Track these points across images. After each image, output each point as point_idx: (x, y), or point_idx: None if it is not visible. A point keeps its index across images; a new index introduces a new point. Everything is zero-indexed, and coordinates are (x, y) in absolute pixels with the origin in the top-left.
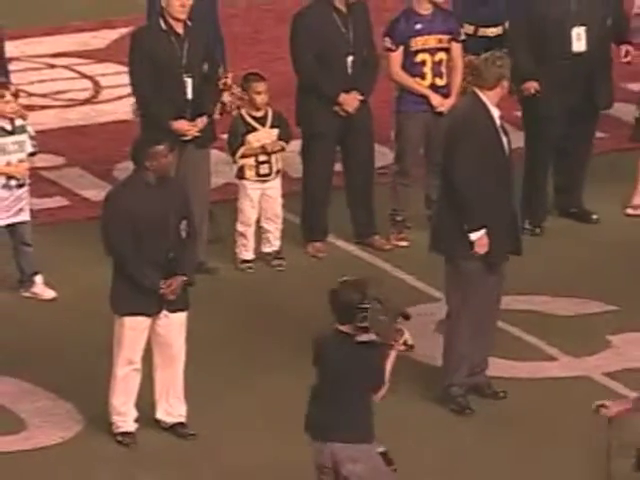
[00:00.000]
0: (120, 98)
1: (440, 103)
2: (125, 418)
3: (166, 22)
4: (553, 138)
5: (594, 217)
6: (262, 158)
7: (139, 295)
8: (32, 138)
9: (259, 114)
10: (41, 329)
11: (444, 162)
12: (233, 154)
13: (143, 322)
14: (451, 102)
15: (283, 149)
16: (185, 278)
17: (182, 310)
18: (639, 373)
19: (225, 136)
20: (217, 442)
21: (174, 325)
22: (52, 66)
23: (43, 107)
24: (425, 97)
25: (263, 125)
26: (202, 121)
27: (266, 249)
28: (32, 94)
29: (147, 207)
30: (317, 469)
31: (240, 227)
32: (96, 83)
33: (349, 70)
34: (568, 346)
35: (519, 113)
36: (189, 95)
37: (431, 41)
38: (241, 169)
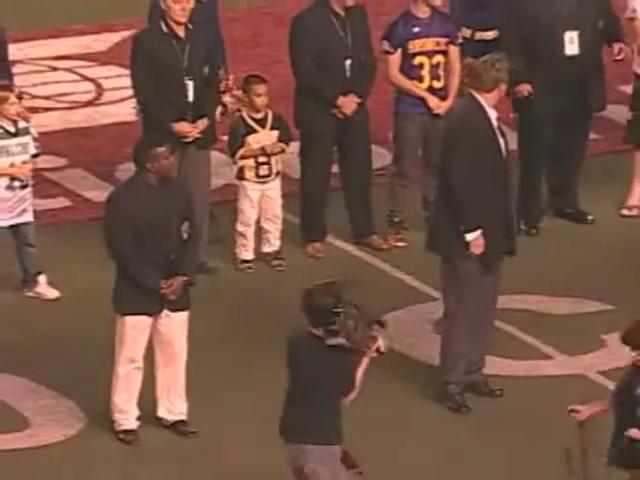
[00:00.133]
0: (122, 100)
1: (437, 105)
2: (127, 416)
3: (167, 25)
4: (546, 140)
5: (589, 218)
6: (262, 159)
7: (141, 295)
8: (35, 140)
9: (259, 116)
10: (44, 328)
11: (441, 163)
12: (233, 155)
13: (145, 321)
14: (448, 104)
15: (283, 151)
16: (186, 278)
17: (183, 309)
18: None
19: (225, 138)
20: (217, 440)
21: (176, 324)
22: (55, 69)
23: (46, 109)
24: (423, 99)
25: (263, 127)
26: (203, 123)
27: (266, 249)
28: (35, 96)
29: (148, 208)
30: (293, 473)
31: (240, 227)
32: (98, 85)
33: (347, 73)
34: (563, 345)
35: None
36: (190, 97)
37: (429, 44)
38: (241, 170)
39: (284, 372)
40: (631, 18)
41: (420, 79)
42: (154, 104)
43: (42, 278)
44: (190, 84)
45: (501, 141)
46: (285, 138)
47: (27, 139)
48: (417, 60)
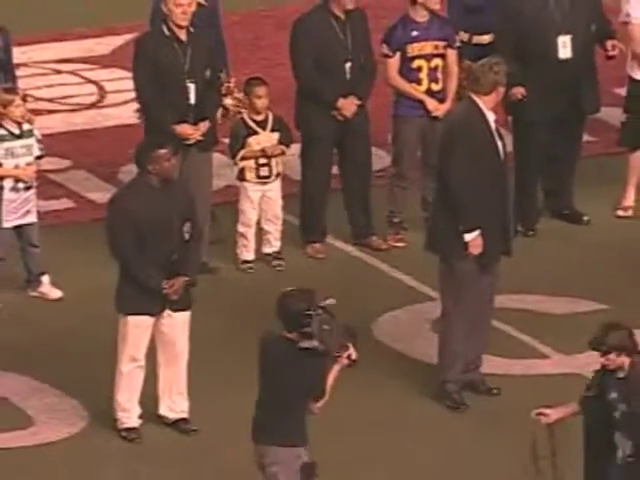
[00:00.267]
0: (125, 103)
1: (436, 108)
2: (129, 414)
3: (169, 29)
4: (541, 143)
5: (585, 219)
6: (262, 161)
7: (143, 295)
8: (39, 142)
9: (260, 118)
10: (48, 328)
11: (440, 165)
12: (234, 156)
13: (146, 321)
14: (446, 107)
15: (283, 153)
16: (187, 279)
17: (185, 309)
18: None
19: (227, 140)
20: (218, 438)
21: (177, 324)
22: (58, 72)
23: (50, 111)
24: (421, 102)
25: (264, 129)
26: (204, 125)
27: (266, 250)
28: (39, 99)
29: (150, 209)
30: (258, 468)
31: (241, 228)
32: (101, 88)
33: (347, 75)
34: (560, 344)
35: None
36: (192, 100)
37: (427, 47)
38: (242, 171)
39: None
40: (625, 22)
41: (418, 82)
42: (156, 106)
43: (45, 278)
44: (192, 87)
45: (499, 143)
46: (286, 140)
47: (31, 141)
48: (416, 63)
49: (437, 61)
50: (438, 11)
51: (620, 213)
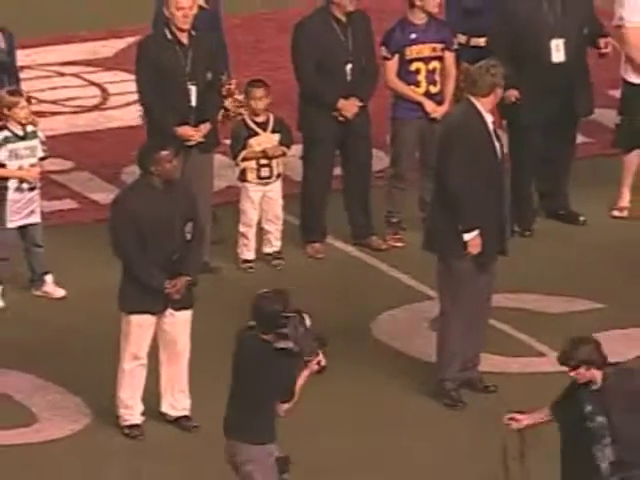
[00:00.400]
0: (127, 105)
1: (434, 110)
2: (132, 411)
3: (171, 32)
4: (535, 146)
5: (581, 219)
6: (263, 161)
7: (145, 294)
8: (43, 143)
9: (261, 119)
10: (51, 326)
11: (439, 166)
12: (235, 157)
13: (149, 320)
14: (444, 109)
15: (284, 154)
16: (189, 278)
17: (187, 308)
18: None
19: (228, 141)
20: (219, 435)
21: (179, 322)
22: (62, 74)
23: (53, 113)
24: (419, 104)
25: (264, 130)
26: (205, 127)
27: (267, 249)
28: (43, 101)
29: (153, 210)
30: (232, 468)
31: (242, 228)
32: (104, 90)
33: (348, 77)
34: (556, 342)
35: None
36: (193, 102)
37: (425, 50)
38: (243, 172)
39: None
40: (618, 25)
41: (417, 84)
42: (158, 108)
43: (49, 278)
44: (193, 89)
45: (497, 144)
46: (286, 141)
47: (35, 142)
48: (414, 66)
49: (435, 63)
50: (436, 14)
51: (615, 213)
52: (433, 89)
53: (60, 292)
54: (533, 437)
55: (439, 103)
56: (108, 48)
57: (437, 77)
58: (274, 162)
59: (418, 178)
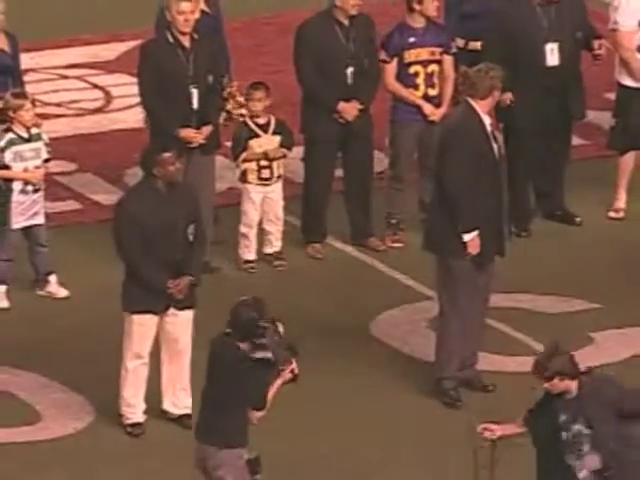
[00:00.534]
0: (130, 107)
1: (432, 112)
2: (134, 410)
3: (173, 35)
4: (531, 148)
5: (578, 220)
6: (263, 163)
7: (148, 294)
8: (47, 145)
9: (262, 121)
10: (55, 326)
11: (438, 167)
12: (236, 158)
13: (151, 319)
14: (442, 111)
15: (285, 156)
16: (192, 278)
17: (189, 308)
18: (619, 367)
19: (229, 143)
20: None
21: (181, 322)
22: (65, 77)
23: (57, 116)
24: (418, 107)
25: (265, 132)
26: (207, 129)
27: (267, 250)
28: (47, 103)
29: (156, 212)
30: (202, 472)
31: (243, 229)
32: (107, 93)
33: (349, 80)
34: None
35: None
36: (195, 105)
37: (424, 54)
38: (244, 173)
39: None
40: (613, 29)
41: (415, 87)
42: (160, 111)
43: (53, 278)
44: (195, 92)
45: (495, 146)
46: (287, 143)
47: (39, 144)
48: (412, 69)
49: (433, 67)
50: (435, 18)
51: (612, 214)
52: (431, 92)
53: (64, 292)
54: (504, 447)
55: (437, 106)
56: (110, 51)
57: (435, 80)
58: (274, 164)
59: (417, 179)
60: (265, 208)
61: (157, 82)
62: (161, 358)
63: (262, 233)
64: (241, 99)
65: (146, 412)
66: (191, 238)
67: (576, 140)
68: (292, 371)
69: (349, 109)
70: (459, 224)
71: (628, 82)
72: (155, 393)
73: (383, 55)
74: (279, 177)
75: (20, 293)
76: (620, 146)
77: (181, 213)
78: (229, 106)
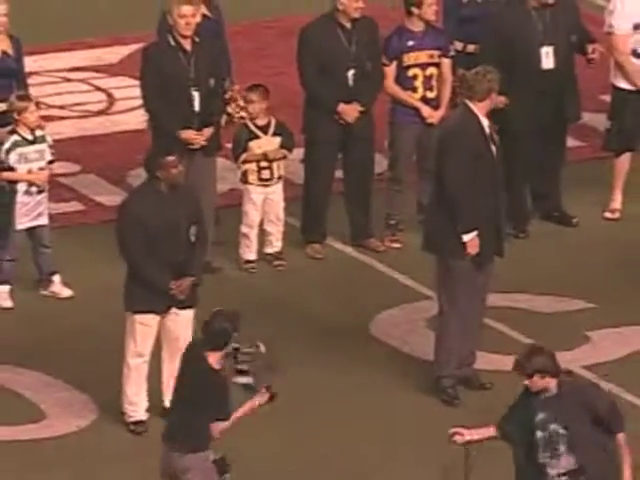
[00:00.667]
0: (132, 109)
1: (430, 115)
2: (137, 407)
3: (174, 39)
4: (527, 151)
5: (574, 221)
6: (263, 164)
7: (150, 294)
8: (51, 147)
9: (262, 123)
10: (59, 325)
11: (437, 169)
12: (236, 159)
13: (153, 319)
14: (440, 114)
15: (285, 157)
16: (193, 278)
17: (190, 307)
18: (614, 365)
19: (230, 145)
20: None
21: (182, 320)
22: (69, 80)
23: (61, 118)
24: (417, 109)
25: (265, 133)
26: (208, 131)
27: (268, 250)
28: (51, 106)
29: (159, 214)
30: (169, 478)
31: (244, 229)
32: (110, 95)
33: (350, 83)
34: (550, 341)
35: None
36: (196, 107)
37: (422, 57)
38: (244, 174)
39: (284, 368)
40: (608, 33)
41: (414, 90)
42: (162, 113)
43: (56, 278)
44: (196, 95)
45: (493, 148)
46: (287, 145)
47: (44, 146)
48: (411, 72)
49: (432, 70)
50: (433, 22)
51: (608, 215)
52: (430, 94)
53: (67, 292)
54: (478, 451)
55: (435, 108)
56: (113, 54)
57: (434, 83)
58: (274, 165)
59: (416, 181)
60: (266, 209)
61: (159, 85)
62: (162, 356)
63: (263, 233)
64: (242, 102)
65: (148, 410)
66: (193, 239)
67: (572, 142)
68: (269, 390)
69: (349, 111)
70: (458, 224)
71: (623, 85)
72: (157, 391)
73: (382, 58)
74: (279, 178)
75: (24, 293)
76: (615, 148)
77: (183, 214)
78: (230, 109)
